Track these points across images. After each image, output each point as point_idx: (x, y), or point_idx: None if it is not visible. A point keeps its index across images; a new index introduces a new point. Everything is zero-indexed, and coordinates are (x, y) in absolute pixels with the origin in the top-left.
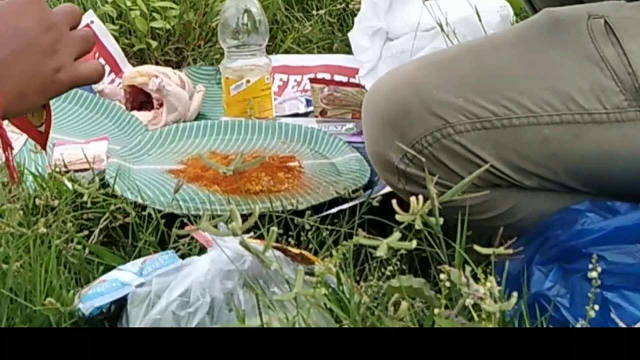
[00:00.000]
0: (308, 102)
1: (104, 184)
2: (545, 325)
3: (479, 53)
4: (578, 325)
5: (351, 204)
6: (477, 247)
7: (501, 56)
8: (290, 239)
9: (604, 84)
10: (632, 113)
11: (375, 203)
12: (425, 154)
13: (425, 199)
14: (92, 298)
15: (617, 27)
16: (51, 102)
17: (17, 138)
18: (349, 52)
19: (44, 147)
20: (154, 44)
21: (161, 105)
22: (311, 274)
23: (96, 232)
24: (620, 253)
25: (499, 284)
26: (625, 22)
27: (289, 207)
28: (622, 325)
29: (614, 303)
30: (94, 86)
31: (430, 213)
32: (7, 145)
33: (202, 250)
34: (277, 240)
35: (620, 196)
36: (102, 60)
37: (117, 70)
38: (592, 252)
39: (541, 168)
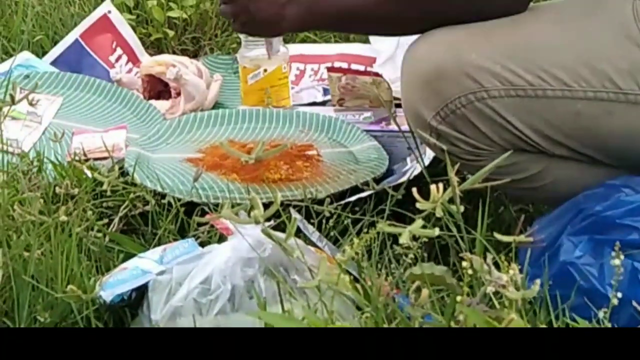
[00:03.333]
0: (325, 91)
1: (123, 173)
2: (573, 294)
3: (520, 22)
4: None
5: (370, 192)
6: (497, 235)
7: (541, 27)
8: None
9: None
10: None
11: (398, 196)
12: (457, 114)
13: (452, 156)
14: (114, 285)
15: None
16: (69, 91)
17: (36, 127)
18: (366, 40)
19: None
20: (171, 33)
21: (179, 94)
22: None
23: (116, 220)
24: None
25: (521, 270)
26: None
27: (309, 196)
28: None
29: None
30: (112, 75)
31: (451, 201)
32: None
33: (222, 238)
34: (298, 229)
35: None
36: (119, 50)
37: (134, 59)
38: (625, 223)
39: (570, 139)
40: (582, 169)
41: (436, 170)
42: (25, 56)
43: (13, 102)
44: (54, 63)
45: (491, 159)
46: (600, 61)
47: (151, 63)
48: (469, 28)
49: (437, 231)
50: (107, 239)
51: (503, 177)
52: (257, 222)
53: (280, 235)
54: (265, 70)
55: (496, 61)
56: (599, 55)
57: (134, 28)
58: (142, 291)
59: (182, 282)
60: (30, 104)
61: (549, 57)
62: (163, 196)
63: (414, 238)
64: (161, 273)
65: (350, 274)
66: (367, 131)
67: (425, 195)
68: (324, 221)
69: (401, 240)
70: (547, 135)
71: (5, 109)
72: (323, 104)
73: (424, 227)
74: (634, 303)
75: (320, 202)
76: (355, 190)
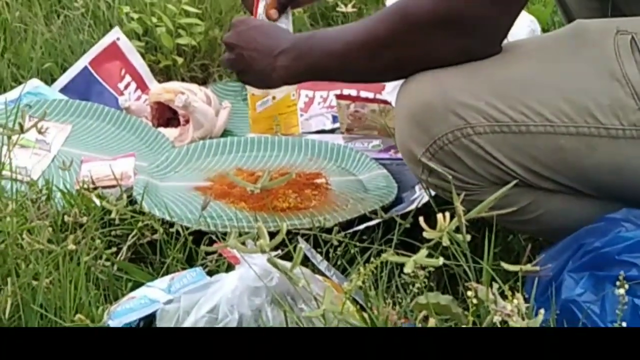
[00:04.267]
0: (334, 119)
1: (131, 201)
2: None
3: (504, 59)
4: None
5: (378, 220)
6: (504, 264)
7: (525, 64)
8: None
9: (623, 101)
10: None
11: (407, 225)
12: (445, 150)
13: (444, 191)
14: (121, 315)
15: None
16: (78, 119)
17: (45, 155)
18: None
19: None
20: (180, 60)
21: (187, 121)
22: None
23: (124, 248)
24: None
25: (527, 300)
26: None
27: (317, 224)
28: None
29: None
30: (120, 103)
31: (458, 230)
32: None
33: (230, 267)
34: (305, 257)
35: (631, 203)
36: (128, 77)
37: (143, 86)
38: (624, 259)
39: (555, 174)
40: (570, 201)
41: (443, 199)
42: (34, 84)
43: (22, 130)
44: (63, 90)
45: (482, 193)
46: (581, 96)
47: (160, 90)
48: (457, 66)
49: (441, 260)
50: (115, 267)
51: (496, 210)
52: (262, 252)
53: (286, 264)
54: (274, 98)
55: (480, 98)
56: (580, 90)
57: (143, 55)
58: (149, 320)
59: (189, 311)
60: (39, 132)
61: (531, 93)
62: (171, 225)
63: (421, 267)
64: (169, 302)
65: (357, 302)
66: (376, 159)
67: (434, 223)
68: (331, 250)
69: (406, 270)
70: (533, 170)
71: (14, 137)
72: (332, 131)
73: (430, 255)
74: None
75: (329, 230)
76: (363, 218)
